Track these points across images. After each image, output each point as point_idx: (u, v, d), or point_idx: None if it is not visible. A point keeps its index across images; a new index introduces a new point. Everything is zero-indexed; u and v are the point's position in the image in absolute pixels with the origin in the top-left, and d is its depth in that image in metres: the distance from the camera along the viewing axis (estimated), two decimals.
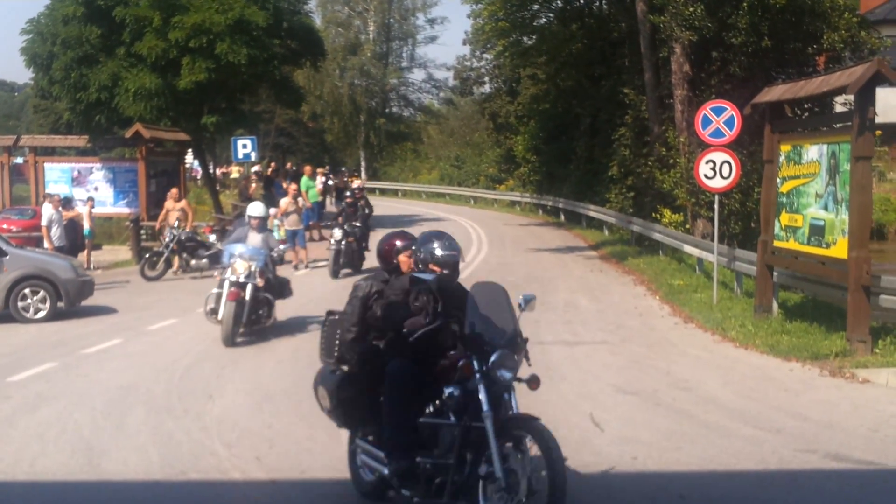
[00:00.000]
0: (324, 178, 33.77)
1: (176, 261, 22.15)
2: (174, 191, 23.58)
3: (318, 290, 19.21)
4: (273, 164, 45.23)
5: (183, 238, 22.01)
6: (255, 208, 14.96)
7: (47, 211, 21.21)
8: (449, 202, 47.59)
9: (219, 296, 14.05)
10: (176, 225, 22.23)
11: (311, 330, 14.76)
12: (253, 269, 13.91)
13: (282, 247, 15.57)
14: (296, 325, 15.19)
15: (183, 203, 23.05)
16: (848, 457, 8.35)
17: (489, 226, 34.92)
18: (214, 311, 14.15)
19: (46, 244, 20.49)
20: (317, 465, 8.17)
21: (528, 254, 26.08)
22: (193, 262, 21.97)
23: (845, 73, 13.08)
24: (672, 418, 9.64)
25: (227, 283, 13.86)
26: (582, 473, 7.90)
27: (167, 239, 22.08)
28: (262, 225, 14.92)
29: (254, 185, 34.08)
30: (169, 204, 22.94)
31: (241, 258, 13.91)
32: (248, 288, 13.86)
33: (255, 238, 14.40)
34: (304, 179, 29.10)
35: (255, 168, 38.87)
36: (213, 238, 22.54)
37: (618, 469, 8.02)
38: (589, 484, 7.72)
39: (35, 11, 34.07)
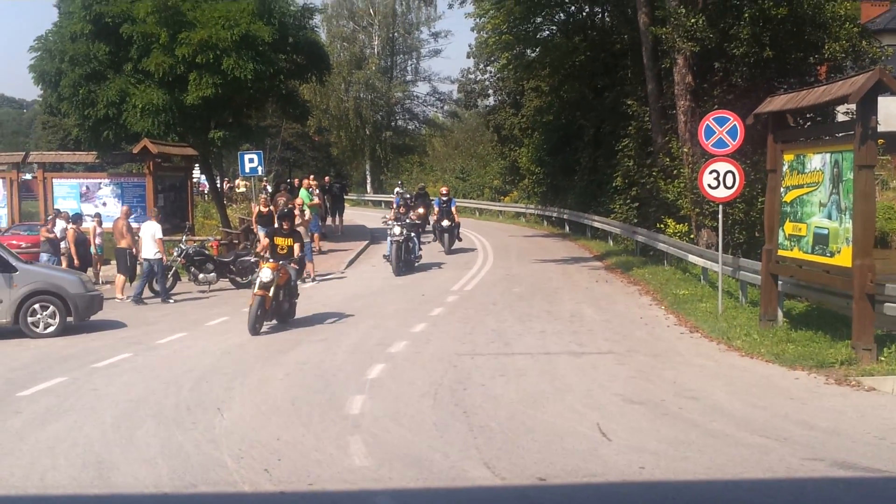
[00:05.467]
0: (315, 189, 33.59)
1: (119, 281, 21.71)
2: (126, 208, 23.36)
3: (326, 303, 19.32)
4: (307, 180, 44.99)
5: (191, 252, 22.12)
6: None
7: (60, 225, 21.51)
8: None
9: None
10: (183, 240, 22.34)
11: (318, 342, 14.85)
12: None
13: None
14: (303, 338, 15.28)
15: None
16: (855, 464, 8.38)
17: (494, 237, 34.99)
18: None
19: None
20: (325, 476, 8.20)
21: (534, 265, 26.14)
22: (202, 276, 22.06)
23: (847, 83, 13.14)
24: (679, 428, 9.66)
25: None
26: (590, 483, 7.95)
27: (175, 253, 22.18)
28: None
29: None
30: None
31: None
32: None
33: None
34: (303, 192, 29.22)
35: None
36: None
37: (626, 479, 8.04)
38: (597, 494, 7.78)
39: (43, 29, 34.28)
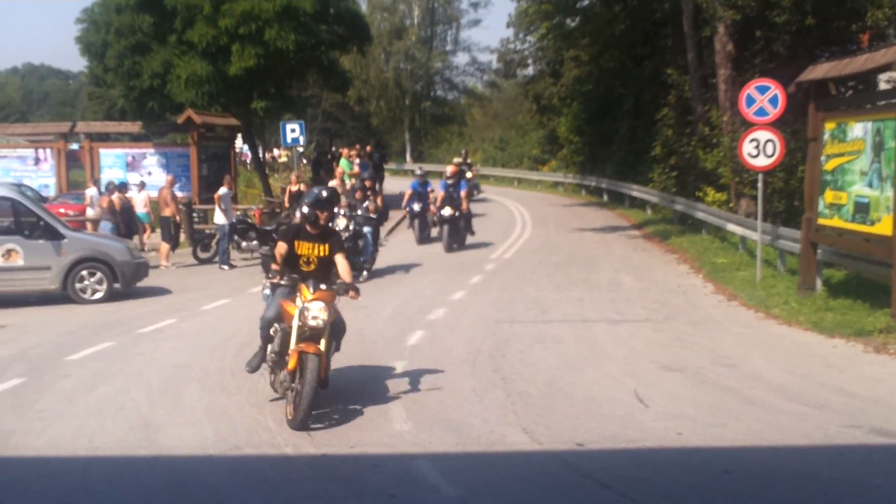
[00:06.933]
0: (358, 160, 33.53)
1: (163, 249, 22.22)
2: (170, 178, 24.19)
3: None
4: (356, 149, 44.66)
5: (234, 221, 22.39)
6: None
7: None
8: (493, 184, 47.59)
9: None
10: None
11: (359, 309, 14.99)
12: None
13: None
14: (343, 305, 15.38)
15: None
16: (893, 432, 8.41)
17: (533, 207, 35.02)
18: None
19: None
20: (366, 440, 8.35)
21: (572, 234, 26.16)
22: (245, 244, 22.33)
23: (890, 51, 13.04)
24: (716, 394, 9.73)
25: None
26: (628, 449, 8.04)
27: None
28: None
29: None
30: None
31: None
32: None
33: None
34: (343, 161, 29.39)
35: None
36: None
37: (663, 444, 8.13)
38: (635, 459, 7.87)
39: (89, 1, 34.56)
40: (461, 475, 7.48)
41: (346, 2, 32.82)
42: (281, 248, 9.41)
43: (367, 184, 20.49)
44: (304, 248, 9.33)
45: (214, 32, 27.65)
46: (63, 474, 7.76)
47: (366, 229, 18.95)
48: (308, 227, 9.35)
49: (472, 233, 23.89)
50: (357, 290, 9.28)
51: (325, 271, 9.36)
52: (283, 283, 9.30)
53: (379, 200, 20.33)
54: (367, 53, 44.60)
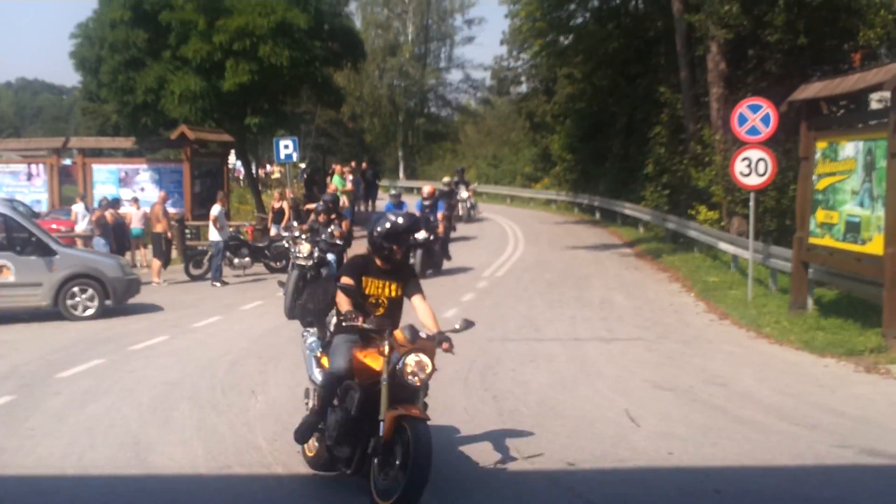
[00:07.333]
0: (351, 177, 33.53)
1: (155, 266, 22.13)
2: (163, 194, 24.30)
3: None
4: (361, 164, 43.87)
5: (226, 238, 22.40)
6: None
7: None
8: (486, 201, 47.60)
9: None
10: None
11: None
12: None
13: None
14: None
15: None
16: (884, 452, 8.40)
17: (525, 224, 35.04)
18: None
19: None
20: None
21: (564, 251, 26.18)
22: (237, 260, 22.30)
23: (882, 70, 13.09)
24: (708, 414, 9.71)
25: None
26: (619, 468, 8.02)
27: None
28: None
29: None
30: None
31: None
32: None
33: None
34: (336, 178, 29.39)
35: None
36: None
37: (654, 464, 8.11)
38: (625, 479, 7.84)
39: (83, 16, 34.69)
40: (452, 495, 7.44)
41: (340, 18, 32.90)
42: (349, 283, 7.47)
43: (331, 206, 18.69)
44: (372, 286, 7.62)
45: (208, 48, 27.68)
46: (52, 493, 7.71)
47: (330, 256, 17.21)
48: (378, 261, 7.63)
49: (449, 258, 22.38)
50: (451, 342, 7.43)
51: (395, 316, 7.72)
52: (365, 326, 7.17)
53: (344, 225, 18.49)
54: (360, 70, 44.71)
